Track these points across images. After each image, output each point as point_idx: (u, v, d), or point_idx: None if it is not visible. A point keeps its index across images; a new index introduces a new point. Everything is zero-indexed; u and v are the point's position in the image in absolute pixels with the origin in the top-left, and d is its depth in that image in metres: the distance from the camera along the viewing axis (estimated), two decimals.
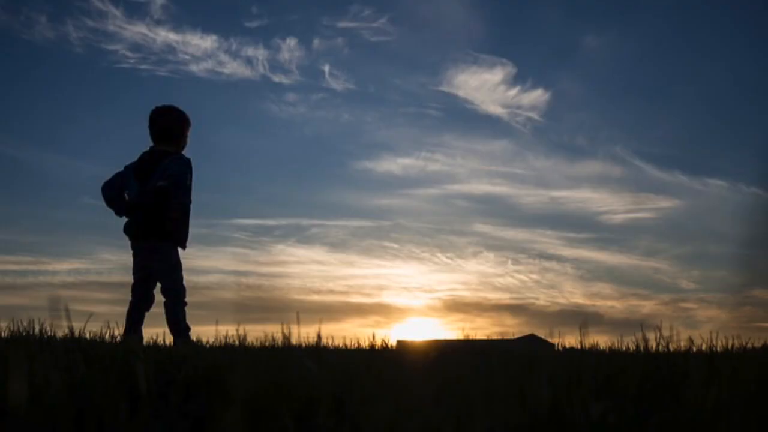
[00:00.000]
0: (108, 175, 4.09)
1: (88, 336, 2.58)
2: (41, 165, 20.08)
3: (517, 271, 23.35)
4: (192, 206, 4.06)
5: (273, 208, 22.50)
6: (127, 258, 4.09)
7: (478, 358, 2.17)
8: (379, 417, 1.05)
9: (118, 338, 2.86)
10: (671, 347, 2.19)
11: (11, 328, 2.66)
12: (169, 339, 3.79)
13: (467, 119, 22.68)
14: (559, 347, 3.04)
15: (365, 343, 3.22)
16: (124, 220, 4.07)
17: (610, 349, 2.88)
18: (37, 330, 2.65)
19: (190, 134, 4.22)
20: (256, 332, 2.86)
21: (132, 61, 17.64)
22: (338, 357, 2.14)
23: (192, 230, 4.08)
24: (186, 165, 4.01)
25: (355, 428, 1.08)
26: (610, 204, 23.91)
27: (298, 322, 2.05)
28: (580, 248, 24.47)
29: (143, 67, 17.99)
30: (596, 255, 24.02)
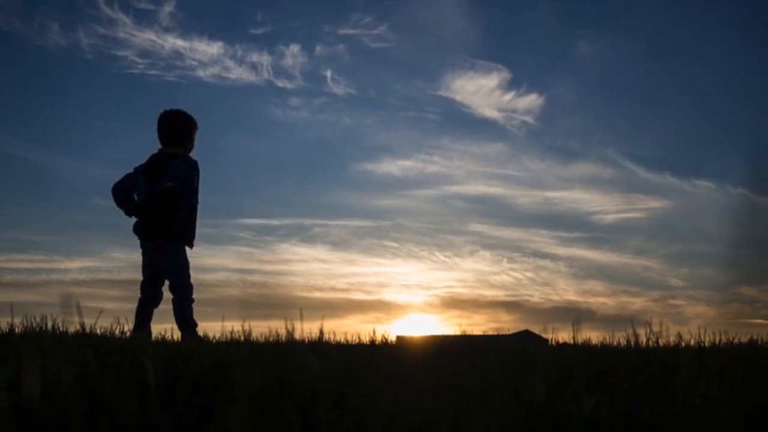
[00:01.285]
0: (118, 177, 4.14)
1: (98, 332, 2.62)
2: (53, 167, 20.14)
3: (513, 269, 23.27)
4: (199, 207, 4.10)
5: (277, 208, 22.49)
6: (136, 256, 4.14)
7: (475, 353, 2.18)
8: (380, 411, 1.06)
9: (128, 334, 2.90)
10: (661, 342, 2.21)
11: (25, 325, 2.68)
12: (177, 335, 3.83)
13: (464, 123, 22.60)
14: (553, 342, 3.06)
15: (366, 339, 3.25)
16: (134, 220, 4.12)
17: (602, 344, 2.88)
18: (49, 326, 2.67)
19: (197, 137, 4.27)
20: (261, 328, 2.89)
21: (141, 66, 17.67)
22: (340, 352, 2.15)
23: (199, 230, 4.14)
24: (193, 167, 4.06)
25: (356, 422, 1.08)
26: (602, 204, 23.84)
27: (301, 319, 2.09)
28: (572, 247, 24.37)
29: (152, 72, 18.02)
30: (588, 254, 23.90)
